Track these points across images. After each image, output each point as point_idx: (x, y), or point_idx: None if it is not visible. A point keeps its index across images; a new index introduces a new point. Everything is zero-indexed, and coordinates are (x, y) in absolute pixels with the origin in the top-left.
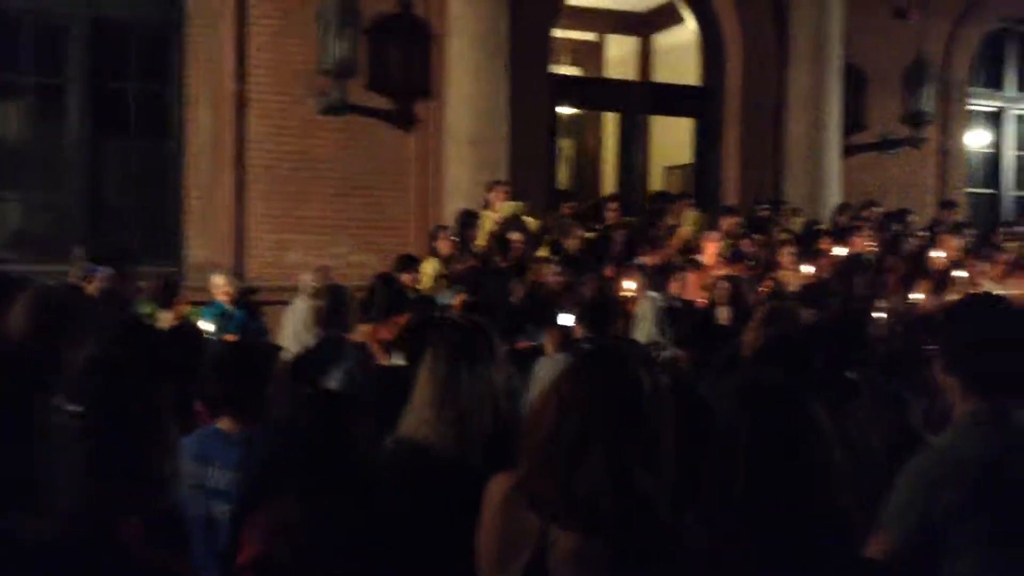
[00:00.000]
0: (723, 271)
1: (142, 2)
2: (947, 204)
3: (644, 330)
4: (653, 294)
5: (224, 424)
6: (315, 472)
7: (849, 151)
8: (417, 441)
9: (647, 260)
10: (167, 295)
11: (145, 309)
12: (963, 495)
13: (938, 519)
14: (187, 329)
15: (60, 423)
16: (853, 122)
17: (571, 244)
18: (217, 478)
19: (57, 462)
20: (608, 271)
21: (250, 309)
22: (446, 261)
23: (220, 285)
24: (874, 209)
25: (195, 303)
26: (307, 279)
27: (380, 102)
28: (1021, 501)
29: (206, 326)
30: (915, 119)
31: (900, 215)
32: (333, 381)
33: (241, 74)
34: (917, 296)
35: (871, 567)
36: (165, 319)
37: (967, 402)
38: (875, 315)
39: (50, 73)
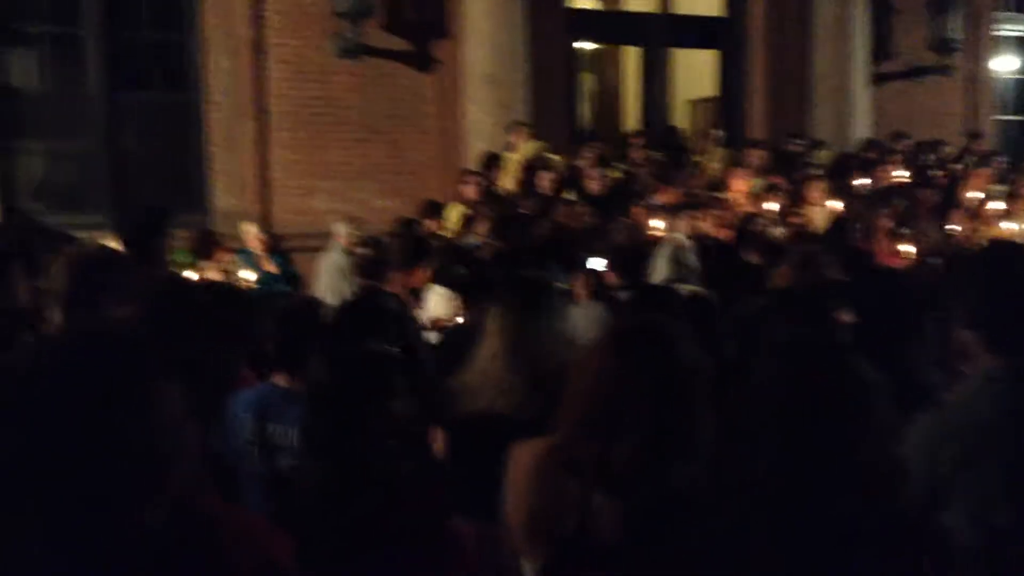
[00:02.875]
0: (751, 208)
1: None
2: (973, 134)
3: (659, 270)
4: (674, 234)
5: (280, 380)
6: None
7: (876, 80)
8: (483, 393)
9: (667, 198)
10: (205, 246)
11: (181, 259)
12: (960, 455)
13: (941, 477)
14: (228, 287)
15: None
16: (880, 51)
17: (596, 185)
18: (280, 434)
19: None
20: (635, 212)
21: (284, 256)
22: (472, 206)
23: (253, 233)
24: (904, 141)
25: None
26: (342, 230)
27: (397, 43)
28: (1014, 464)
29: (247, 275)
30: (942, 46)
31: (933, 146)
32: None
33: (257, 20)
34: (953, 228)
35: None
36: (208, 270)
37: (983, 358)
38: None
39: (66, 22)
